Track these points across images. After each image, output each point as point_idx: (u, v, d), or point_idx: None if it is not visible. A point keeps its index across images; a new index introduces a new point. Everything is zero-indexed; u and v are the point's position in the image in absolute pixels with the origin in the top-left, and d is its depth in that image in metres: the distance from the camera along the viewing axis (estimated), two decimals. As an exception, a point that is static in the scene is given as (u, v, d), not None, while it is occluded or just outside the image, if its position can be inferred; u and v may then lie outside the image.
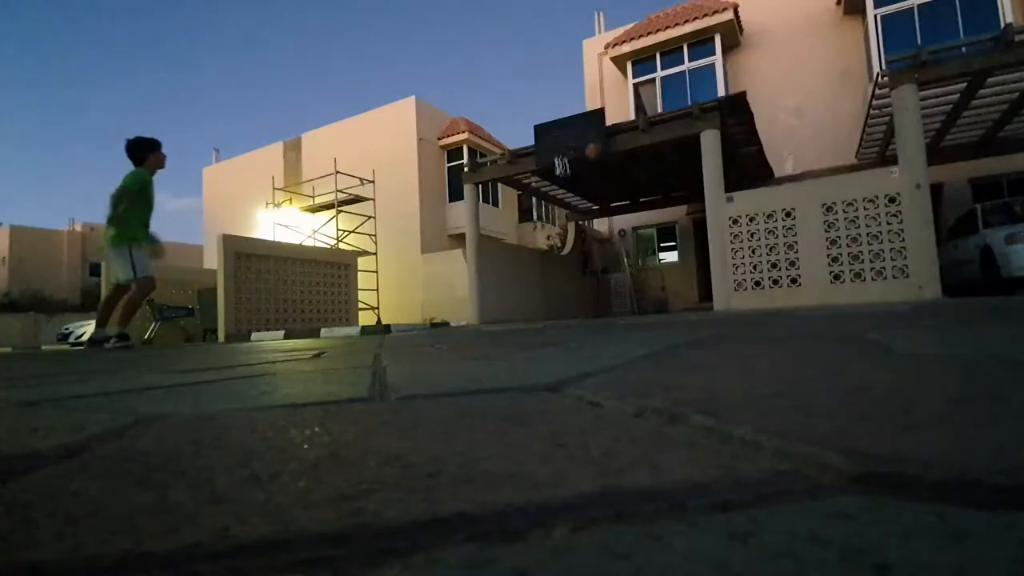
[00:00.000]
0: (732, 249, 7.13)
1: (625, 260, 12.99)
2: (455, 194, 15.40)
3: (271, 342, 5.67)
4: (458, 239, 14.04)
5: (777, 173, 10.80)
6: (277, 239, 12.16)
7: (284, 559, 0.34)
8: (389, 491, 0.45)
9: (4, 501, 0.50)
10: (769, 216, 6.95)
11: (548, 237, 16.04)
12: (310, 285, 9.46)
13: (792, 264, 6.82)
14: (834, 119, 11.10)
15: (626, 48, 12.50)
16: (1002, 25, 7.61)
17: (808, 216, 6.74)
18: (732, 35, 11.87)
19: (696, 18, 11.67)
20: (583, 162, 8.19)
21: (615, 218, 13.48)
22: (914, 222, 6.10)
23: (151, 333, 9.69)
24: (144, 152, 5.03)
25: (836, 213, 6.58)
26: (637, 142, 7.87)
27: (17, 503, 0.49)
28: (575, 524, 0.37)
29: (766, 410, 0.69)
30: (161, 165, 5.16)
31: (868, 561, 0.29)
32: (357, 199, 13.50)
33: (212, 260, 11.02)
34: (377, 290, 13.53)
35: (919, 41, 9.25)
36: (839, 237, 6.55)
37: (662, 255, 13.79)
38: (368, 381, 1.31)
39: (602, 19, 14.71)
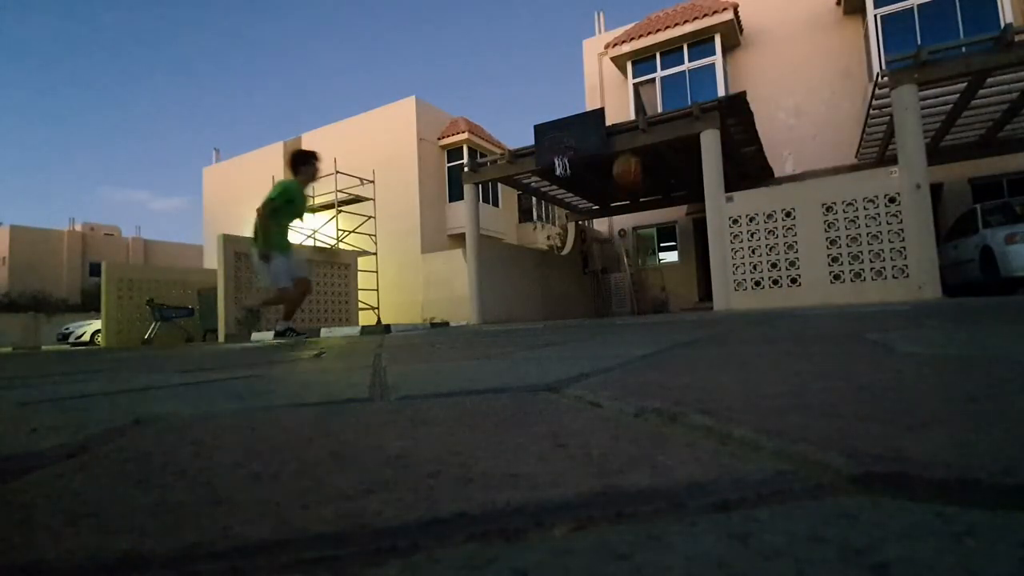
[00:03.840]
0: (732, 249, 7.13)
1: (625, 260, 12.98)
2: (455, 194, 15.40)
3: (271, 342, 5.66)
4: (458, 239, 14.04)
5: (777, 173, 10.79)
6: (277, 239, 12.12)
7: (284, 559, 0.34)
8: (389, 491, 0.45)
9: (4, 501, 0.50)
10: (769, 216, 6.94)
11: (548, 237, 16.04)
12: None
13: (792, 264, 6.82)
14: (834, 119, 11.10)
15: (626, 48, 12.49)
16: (1002, 25, 7.61)
17: (808, 216, 6.74)
18: (732, 35, 11.87)
19: (696, 18, 11.67)
20: (583, 162, 8.19)
21: (615, 218, 13.48)
22: (914, 222, 6.10)
23: (151, 333, 9.70)
24: (297, 164, 5.08)
25: (836, 213, 6.58)
26: (637, 142, 7.86)
27: (17, 503, 0.49)
28: (575, 524, 0.37)
29: (766, 410, 0.69)
30: (312, 178, 5.17)
31: (868, 561, 0.29)
32: (357, 199, 13.49)
33: (212, 260, 11.01)
34: (377, 290, 13.52)
35: (919, 41, 9.24)
36: (839, 237, 6.55)
37: (662, 255, 13.79)
38: (368, 381, 1.31)
39: (602, 19, 14.70)
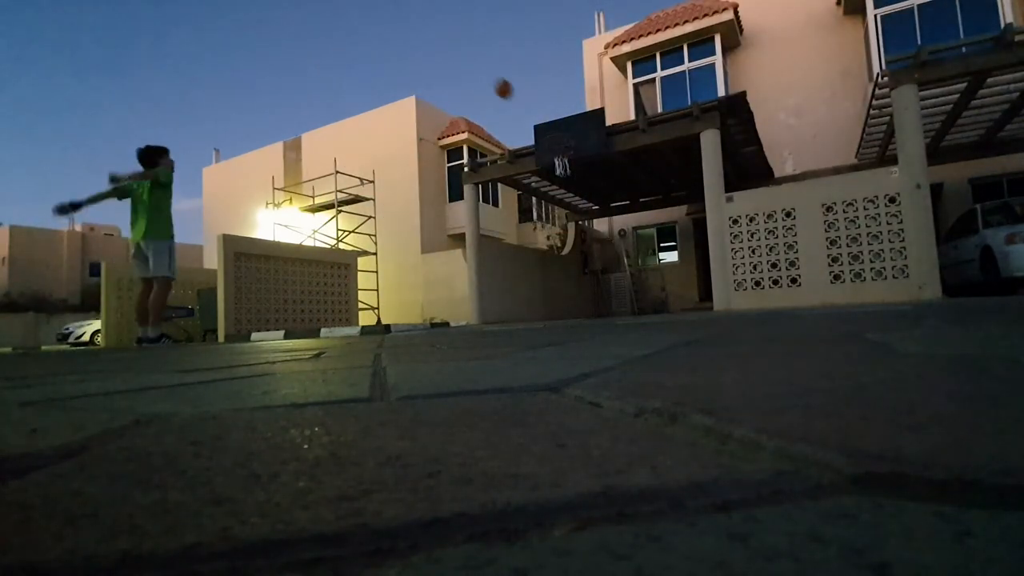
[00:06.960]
0: (732, 249, 7.13)
1: (625, 260, 12.98)
2: (455, 194, 15.39)
3: (271, 342, 5.67)
4: (458, 239, 14.03)
5: (777, 173, 10.79)
6: (277, 239, 12.15)
7: (284, 559, 0.34)
8: (389, 491, 0.45)
9: (4, 501, 0.50)
10: (769, 216, 6.94)
11: (548, 237, 16.03)
12: (310, 285, 9.46)
13: (792, 264, 6.82)
14: (834, 119, 11.10)
15: (626, 48, 12.49)
16: (1002, 25, 7.61)
17: (808, 216, 6.74)
18: (732, 35, 11.87)
19: (696, 18, 11.67)
20: (583, 162, 8.19)
21: (615, 218, 13.48)
22: (914, 222, 6.10)
23: (151, 333, 9.68)
24: (157, 157, 5.53)
25: (836, 213, 6.58)
26: (637, 142, 7.86)
27: (17, 503, 0.49)
28: (575, 524, 0.37)
29: (766, 410, 0.69)
30: (171, 169, 5.64)
31: (868, 561, 0.29)
32: (357, 199, 13.49)
33: (212, 260, 11.01)
34: (377, 290, 13.52)
35: (919, 41, 9.24)
36: (839, 237, 6.55)
37: (662, 255, 13.79)
38: (368, 381, 1.31)
39: (602, 19, 14.70)
